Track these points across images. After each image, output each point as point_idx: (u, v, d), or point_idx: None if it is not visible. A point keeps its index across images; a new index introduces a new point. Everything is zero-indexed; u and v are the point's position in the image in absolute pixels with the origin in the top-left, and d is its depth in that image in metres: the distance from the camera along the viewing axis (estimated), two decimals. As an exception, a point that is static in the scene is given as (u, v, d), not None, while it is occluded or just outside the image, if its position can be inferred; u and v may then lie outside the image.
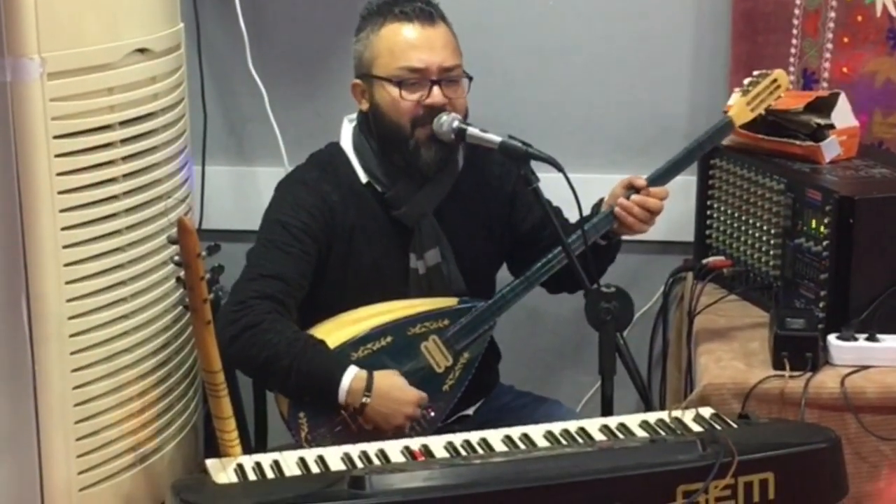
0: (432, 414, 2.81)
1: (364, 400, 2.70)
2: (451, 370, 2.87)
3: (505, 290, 2.91)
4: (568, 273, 2.79)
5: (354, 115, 2.98)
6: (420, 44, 2.84)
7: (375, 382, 2.71)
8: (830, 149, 3.09)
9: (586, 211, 2.88)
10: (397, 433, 2.70)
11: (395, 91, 2.83)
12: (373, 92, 2.87)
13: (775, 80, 3.05)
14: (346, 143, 2.96)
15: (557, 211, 2.93)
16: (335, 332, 2.84)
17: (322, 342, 2.77)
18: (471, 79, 2.90)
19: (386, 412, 2.71)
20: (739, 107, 3.03)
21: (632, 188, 2.90)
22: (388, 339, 2.83)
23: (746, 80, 3.07)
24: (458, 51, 2.90)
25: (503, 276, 3.07)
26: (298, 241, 2.83)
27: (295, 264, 2.82)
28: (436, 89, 2.84)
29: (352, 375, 2.70)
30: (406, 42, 2.84)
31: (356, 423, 2.73)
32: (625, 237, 3.02)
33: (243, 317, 2.71)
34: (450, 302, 2.90)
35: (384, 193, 2.90)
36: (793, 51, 3.35)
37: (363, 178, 2.92)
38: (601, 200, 2.97)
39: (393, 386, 2.74)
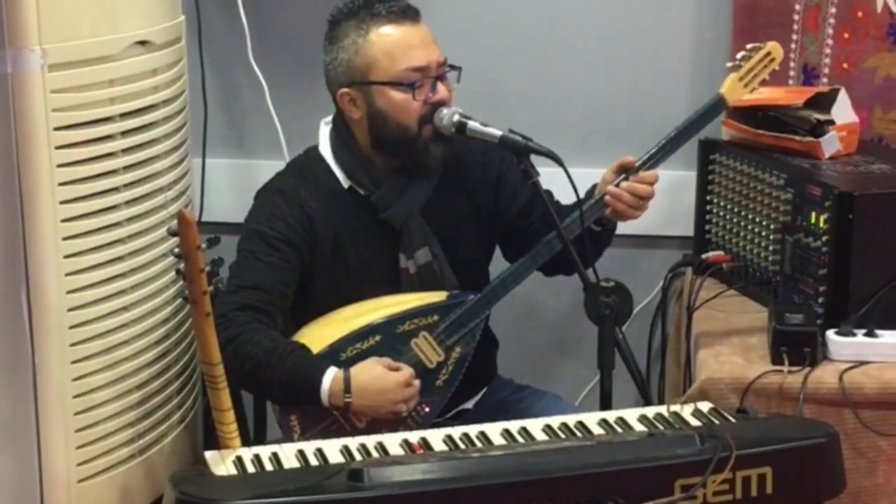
0: (427, 409, 2.81)
1: (346, 399, 2.70)
2: (443, 365, 2.86)
3: (494, 283, 2.90)
4: (563, 255, 2.79)
5: (330, 118, 2.96)
6: (417, 42, 2.82)
7: (353, 380, 2.70)
8: (830, 144, 3.09)
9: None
10: (394, 419, 2.70)
11: (403, 94, 2.80)
12: (371, 99, 2.83)
13: (769, 53, 3.01)
14: (325, 147, 2.93)
15: (548, 193, 2.91)
16: (323, 332, 2.84)
17: (301, 347, 2.77)
18: (460, 69, 2.88)
19: (372, 405, 2.71)
20: (731, 83, 2.99)
21: (623, 171, 2.88)
22: (377, 337, 2.82)
23: (739, 55, 3.03)
24: None
25: (498, 267, 3.06)
26: (277, 250, 2.81)
27: (275, 273, 2.80)
28: (440, 85, 2.83)
29: (330, 378, 2.70)
30: (405, 43, 2.80)
31: (349, 421, 2.73)
32: (625, 229, 3.02)
33: (224, 330, 2.67)
34: (439, 297, 2.89)
35: (368, 196, 2.89)
36: (793, 46, 3.35)
37: (344, 182, 2.90)
38: (594, 186, 2.95)
39: (372, 378, 2.72)
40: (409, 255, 2.90)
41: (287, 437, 2.77)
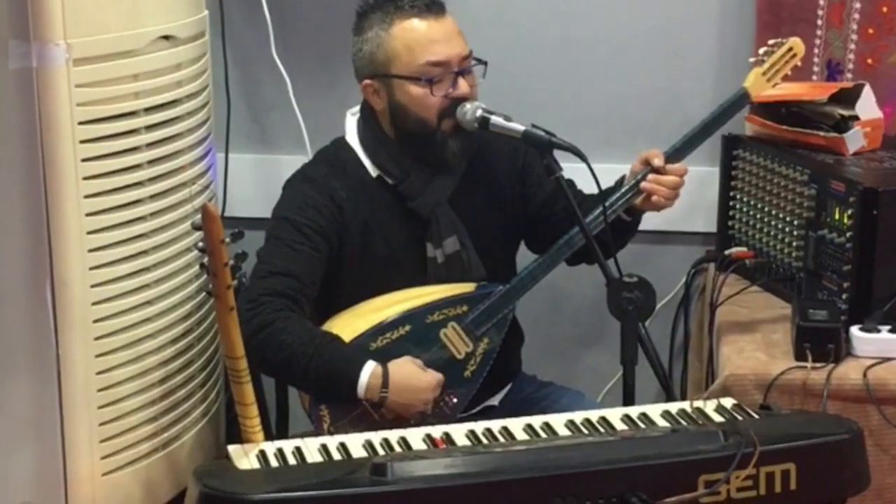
0: (455, 400, 2.82)
1: (382, 394, 2.70)
2: (471, 356, 2.87)
3: (523, 274, 2.90)
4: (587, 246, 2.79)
5: (357, 109, 2.97)
6: (438, 37, 2.82)
7: (391, 375, 2.71)
8: (854, 140, 3.09)
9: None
10: (420, 419, 2.71)
11: (422, 89, 2.80)
12: (392, 91, 2.84)
13: (791, 49, 3.02)
14: (352, 137, 2.94)
15: (570, 183, 2.91)
16: (353, 322, 2.84)
17: (336, 338, 2.77)
18: (486, 63, 2.88)
19: (405, 402, 2.73)
20: (755, 77, 3.00)
21: (649, 164, 2.88)
22: (407, 327, 2.83)
23: (762, 50, 3.04)
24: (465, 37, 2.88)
25: (525, 258, 3.06)
26: (308, 238, 2.81)
27: (305, 261, 2.80)
28: (461, 80, 2.83)
29: (368, 372, 2.70)
30: (425, 37, 2.81)
31: (378, 413, 2.74)
32: (648, 225, 3.02)
33: (255, 316, 2.70)
34: (468, 287, 2.90)
35: (396, 186, 2.90)
36: (817, 42, 3.34)
37: (373, 171, 2.91)
38: (623, 178, 2.95)
39: (408, 375, 2.74)
40: (436, 245, 2.90)
41: (316, 427, 2.78)
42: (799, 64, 3.05)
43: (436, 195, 2.89)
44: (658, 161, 2.88)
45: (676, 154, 2.93)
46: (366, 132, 2.92)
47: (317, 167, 2.93)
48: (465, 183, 2.94)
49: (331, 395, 2.76)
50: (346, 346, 2.77)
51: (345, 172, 2.90)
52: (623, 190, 2.90)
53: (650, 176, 2.87)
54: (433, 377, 2.76)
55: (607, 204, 2.84)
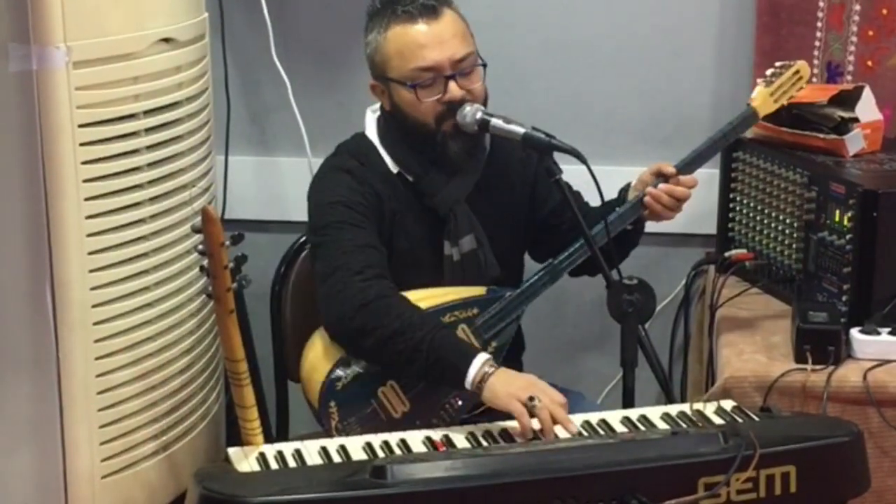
0: (460, 403, 2.81)
1: (488, 370, 2.61)
2: None
3: (533, 279, 2.90)
4: (590, 258, 2.79)
5: (377, 106, 2.98)
6: (428, 41, 2.81)
7: (500, 369, 2.64)
8: (854, 142, 3.08)
9: (613, 195, 2.91)
10: (515, 409, 2.56)
11: (411, 93, 2.81)
12: (391, 93, 2.86)
13: (797, 72, 3.04)
14: (373, 133, 2.95)
15: (577, 195, 2.93)
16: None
17: (448, 325, 2.77)
18: (485, 65, 2.87)
19: (508, 379, 2.61)
20: (763, 97, 3.02)
21: (660, 175, 2.90)
22: None
23: (769, 72, 3.06)
24: (468, 36, 2.86)
25: (532, 264, 3.06)
26: (365, 216, 2.82)
27: (374, 235, 2.82)
28: (452, 84, 2.82)
29: (483, 357, 2.64)
30: (414, 42, 2.80)
31: (385, 411, 2.73)
32: (648, 227, 3.02)
33: (371, 287, 2.70)
34: (479, 291, 2.89)
35: (415, 183, 2.91)
36: (817, 43, 3.34)
37: (393, 168, 2.91)
38: (628, 185, 2.96)
39: (517, 374, 2.67)
40: (453, 243, 2.91)
41: (325, 424, 2.76)
42: (804, 87, 3.06)
43: (453, 193, 2.89)
44: (670, 169, 2.88)
45: (683, 169, 2.92)
46: (385, 129, 2.93)
47: (347, 160, 2.93)
48: (483, 184, 2.94)
49: (435, 370, 2.67)
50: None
51: (371, 167, 2.91)
52: (630, 203, 2.90)
53: (661, 185, 2.87)
54: (532, 377, 2.67)
55: (613, 217, 2.85)
